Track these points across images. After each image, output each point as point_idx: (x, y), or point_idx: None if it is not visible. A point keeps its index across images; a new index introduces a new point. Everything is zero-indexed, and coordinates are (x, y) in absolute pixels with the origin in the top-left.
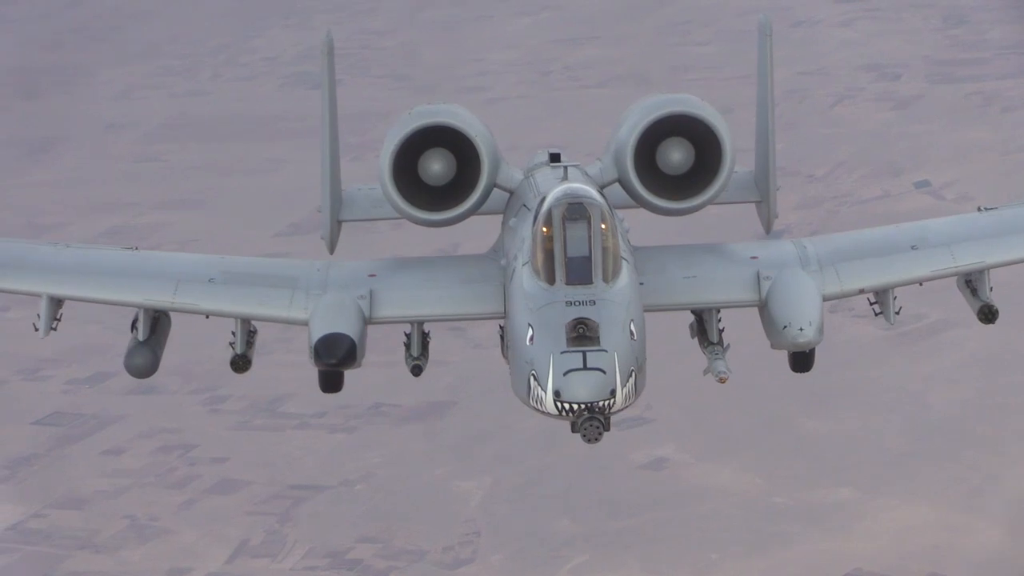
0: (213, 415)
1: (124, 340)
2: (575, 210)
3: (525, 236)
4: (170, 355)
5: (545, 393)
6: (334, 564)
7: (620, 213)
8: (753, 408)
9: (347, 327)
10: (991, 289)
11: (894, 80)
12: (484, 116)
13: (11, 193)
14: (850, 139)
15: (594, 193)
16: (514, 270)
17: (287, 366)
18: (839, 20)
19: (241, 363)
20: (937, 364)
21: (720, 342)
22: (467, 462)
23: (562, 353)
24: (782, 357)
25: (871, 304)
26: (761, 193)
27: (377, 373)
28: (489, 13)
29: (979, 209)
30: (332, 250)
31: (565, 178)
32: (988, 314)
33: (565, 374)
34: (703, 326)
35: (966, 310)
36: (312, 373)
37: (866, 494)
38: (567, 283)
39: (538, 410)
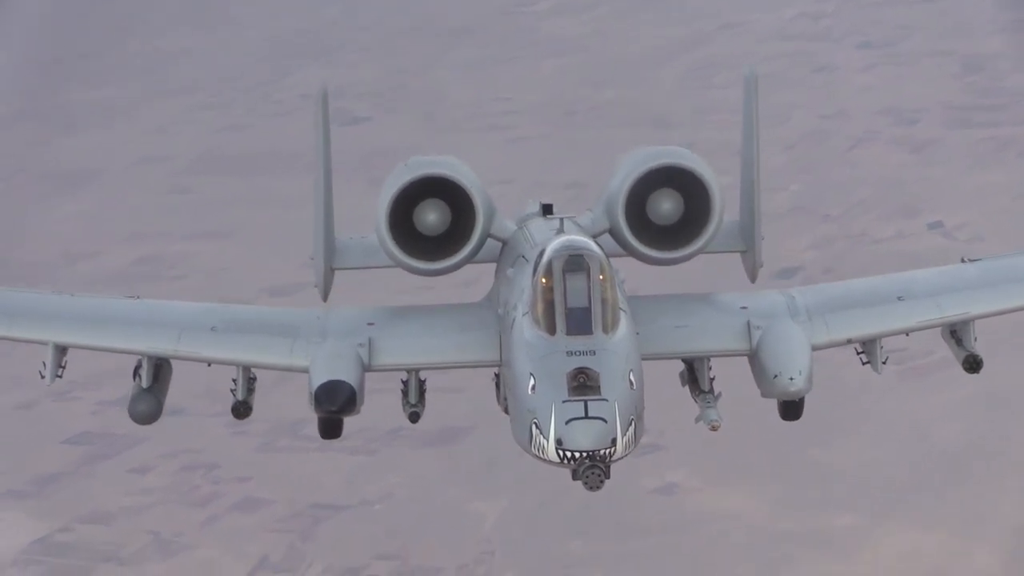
0: (237, 436)
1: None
2: (575, 262)
3: (524, 286)
4: (196, 378)
5: (547, 441)
6: None
7: (614, 263)
8: (762, 437)
9: (347, 375)
10: (975, 339)
11: (912, 124)
12: (510, 154)
13: (47, 223)
14: (867, 181)
15: (593, 245)
16: (514, 320)
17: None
18: (860, 66)
19: (242, 409)
20: (942, 397)
21: (711, 390)
22: (483, 485)
23: (564, 402)
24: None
25: (858, 354)
26: (746, 243)
27: (397, 398)
28: (517, 55)
29: (963, 260)
30: (325, 298)
31: (561, 230)
32: (973, 364)
33: (567, 423)
34: (694, 375)
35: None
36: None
37: (870, 521)
38: (567, 333)
39: (540, 458)
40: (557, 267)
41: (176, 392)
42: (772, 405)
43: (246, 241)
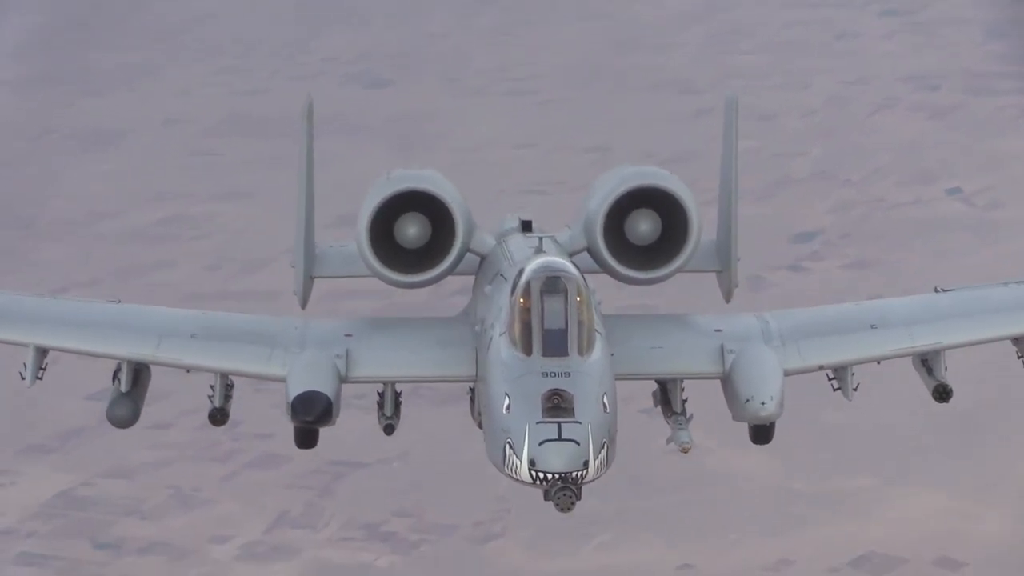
0: (258, 394)
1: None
2: (552, 283)
3: (502, 305)
4: None
5: (520, 462)
6: (369, 536)
7: (591, 282)
8: None
9: (323, 386)
10: (946, 369)
11: (933, 91)
12: (533, 118)
13: (73, 183)
14: (886, 147)
15: (571, 267)
16: (491, 339)
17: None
18: (882, 33)
19: (219, 416)
20: (958, 361)
21: (683, 412)
22: None
23: (538, 423)
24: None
25: (829, 380)
26: (722, 263)
27: None
28: (542, 19)
29: (936, 290)
30: (304, 305)
31: (540, 249)
32: (942, 393)
33: (540, 444)
34: (667, 395)
35: None
36: None
37: (883, 482)
38: (543, 355)
39: (513, 477)
40: (535, 288)
41: None
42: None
43: (268, 202)
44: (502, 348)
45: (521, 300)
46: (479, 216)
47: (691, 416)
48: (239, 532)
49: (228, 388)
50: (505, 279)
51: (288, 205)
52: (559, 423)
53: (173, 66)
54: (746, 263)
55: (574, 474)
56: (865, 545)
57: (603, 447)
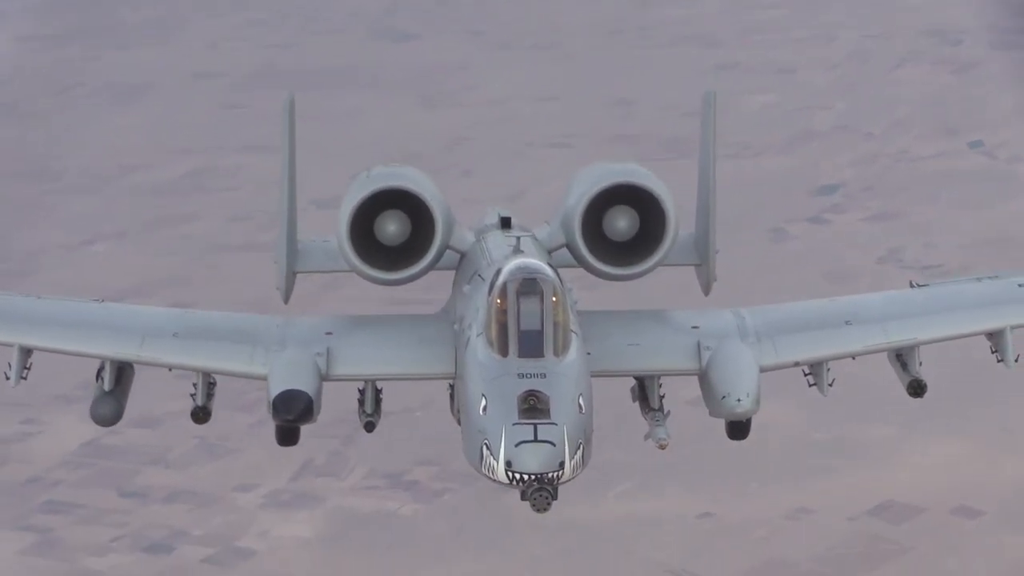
0: None
1: (202, 275)
2: (528, 285)
3: (480, 306)
4: (247, 292)
5: (497, 463)
6: (392, 484)
7: (568, 280)
8: None
9: (304, 384)
10: (920, 364)
11: (955, 45)
12: (558, 72)
13: (103, 135)
14: (909, 100)
15: (547, 268)
16: (469, 339)
17: (346, 301)
18: None
19: (201, 415)
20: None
21: (661, 408)
22: None
23: (514, 425)
24: None
25: (805, 375)
26: (700, 256)
27: (431, 308)
28: None
29: (911, 285)
30: (287, 300)
31: (518, 247)
32: (917, 388)
33: (516, 445)
34: (644, 392)
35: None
36: None
37: (903, 432)
38: (519, 356)
39: (489, 477)
40: (511, 290)
41: (224, 303)
42: None
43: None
44: (479, 349)
45: (498, 301)
46: (515, 172)
47: (668, 412)
48: (264, 481)
49: (211, 387)
50: (483, 279)
51: (318, 156)
52: (535, 424)
53: (201, 20)
54: (768, 215)
55: (550, 475)
56: (884, 494)
57: (579, 448)
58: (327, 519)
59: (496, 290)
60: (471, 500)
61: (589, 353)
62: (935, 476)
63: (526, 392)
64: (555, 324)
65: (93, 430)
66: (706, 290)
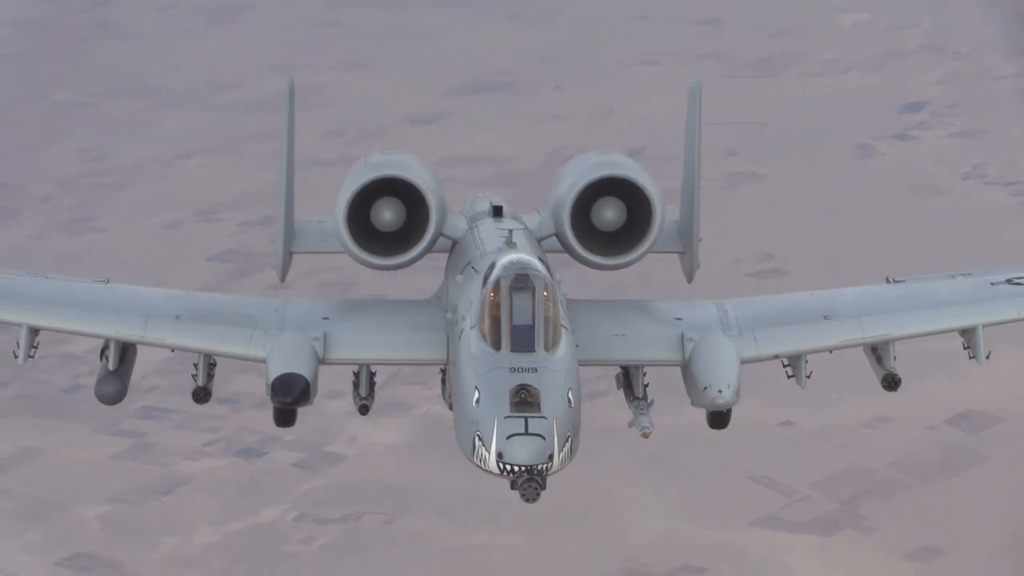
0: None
1: (295, 190)
2: (521, 281)
3: (473, 299)
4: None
5: (489, 454)
6: None
7: (558, 271)
8: None
9: (302, 367)
10: (895, 358)
11: None
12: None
13: (197, 54)
14: (995, 20)
15: (539, 264)
16: (462, 331)
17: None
18: None
19: (202, 395)
20: None
21: (645, 397)
22: None
23: (506, 418)
24: None
25: (784, 367)
26: (684, 244)
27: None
28: None
29: (888, 280)
30: (283, 279)
31: (511, 240)
32: (891, 382)
33: (508, 438)
34: (629, 380)
35: None
36: None
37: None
38: (512, 350)
39: (481, 468)
40: (504, 285)
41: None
42: None
43: (388, 72)
44: (472, 342)
45: (491, 295)
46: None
47: (652, 401)
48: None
49: (211, 367)
50: (476, 271)
51: (409, 74)
52: (526, 418)
53: None
54: (855, 132)
55: (539, 466)
56: (962, 404)
57: (567, 440)
58: (414, 426)
59: (489, 284)
60: None
61: (578, 345)
62: (1013, 387)
63: (518, 386)
64: (546, 319)
65: None
66: (689, 277)
